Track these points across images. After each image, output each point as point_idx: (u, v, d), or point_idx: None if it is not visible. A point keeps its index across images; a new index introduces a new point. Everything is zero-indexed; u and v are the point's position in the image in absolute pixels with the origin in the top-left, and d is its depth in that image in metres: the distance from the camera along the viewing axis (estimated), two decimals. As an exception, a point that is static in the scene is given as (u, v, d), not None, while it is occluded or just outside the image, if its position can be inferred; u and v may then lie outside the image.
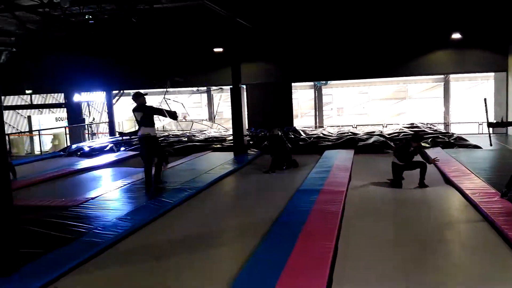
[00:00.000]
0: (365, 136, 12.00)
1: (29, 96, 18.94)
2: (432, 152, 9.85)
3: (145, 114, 7.31)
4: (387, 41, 13.27)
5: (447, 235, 4.86)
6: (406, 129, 13.15)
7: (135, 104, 7.39)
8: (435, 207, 5.91)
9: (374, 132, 13.02)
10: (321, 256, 3.98)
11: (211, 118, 24.72)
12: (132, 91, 21.74)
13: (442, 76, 19.38)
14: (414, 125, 14.43)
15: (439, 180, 7.41)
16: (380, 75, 16.20)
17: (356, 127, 15.70)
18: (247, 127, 12.64)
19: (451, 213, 5.79)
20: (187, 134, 15.58)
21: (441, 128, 15.01)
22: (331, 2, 13.33)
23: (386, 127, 15.19)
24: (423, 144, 10.70)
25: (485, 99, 6.55)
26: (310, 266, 3.80)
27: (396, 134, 12.28)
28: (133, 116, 7.76)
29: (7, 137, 11.61)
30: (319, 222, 5.02)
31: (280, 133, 9.36)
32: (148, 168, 7.42)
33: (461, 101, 20.65)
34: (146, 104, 7.43)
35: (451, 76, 19.27)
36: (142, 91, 7.76)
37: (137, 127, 7.68)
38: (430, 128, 13.68)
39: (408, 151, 6.97)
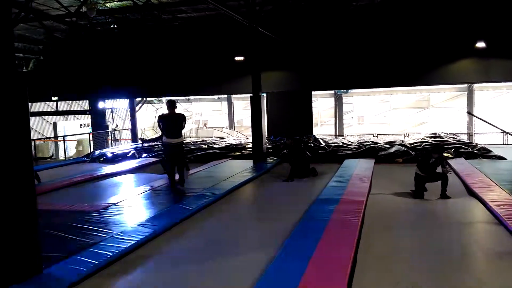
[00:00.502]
0: (386, 146, 11.87)
1: (55, 102, 19.46)
2: (455, 163, 9.70)
3: (176, 122, 7.53)
4: (409, 49, 13.14)
5: (470, 249, 4.75)
6: (428, 139, 12.95)
7: (160, 112, 7.63)
8: (458, 219, 5.79)
9: (395, 141, 12.88)
10: (340, 267, 3.95)
11: (231, 125, 24.86)
12: (154, 99, 22.24)
13: (466, 85, 19.03)
14: (437, 134, 14.21)
15: (462, 191, 7.27)
16: (402, 84, 16.03)
17: (377, 136, 15.55)
18: (266, 135, 12.67)
19: (474, 226, 5.65)
20: (207, 141, 15.71)
21: (464, 138, 14.72)
22: (352, 10, 13.33)
23: (408, 136, 15.00)
24: (445, 154, 10.55)
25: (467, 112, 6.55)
26: (328, 276, 3.77)
27: (418, 144, 12.10)
28: (155, 123, 8.02)
29: (33, 142, 11.98)
30: (338, 232, 4.98)
31: (300, 141, 9.37)
32: (171, 174, 7.61)
33: (485, 111, 20.22)
34: (177, 112, 7.68)
35: (475, 85, 18.91)
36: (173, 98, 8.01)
37: (159, 134, 7.90)
38: (453, 138, 13.44)
39: (429, 163, 6.87)
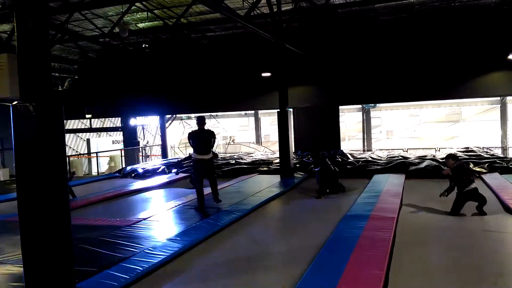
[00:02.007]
0: (416, 160, 11.62)
1: (88, 120, 20.12)
2: (490, 178, 9.39)
3: (206, 138, 7.65)
4: (439, 62, 12.94)
5: (507, 268, 4.57)
6: (460, 153, 12.60)
7: (190, 128, 7.77)
8: (494, 236, 5.59)
9: (426, 156, 12.59)
10: (371, 286, 3.88)
11: (258, 141, 24.95)
12: (183, 116, 22.64)
13: (498, 98, 18.50)
14: (469, 149, 13.81)
15: (497, 208, 7.01)
16: (432, 97, 15.73)
17: (406, 151, 15.25)
18: (293, 150, 12.65)
19: (511, 243, 5.44)
20: (235, 156, 15.81)
21: (498, 152, 14.25)
22: (379, 24, 13.29)
23: (439, 151, 14.65)
24: (478, 169, 10.23)
25: None
26: (358, 294, 3.70)
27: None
28: (183, 139, 8.18)
29: (67, 158, 12.38)
30: (368, 250, 4.89)
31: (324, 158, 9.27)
32: (200, 191, 7.67)
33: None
34: (206, 129, 7.80)
35: (508, 98, 18.35)
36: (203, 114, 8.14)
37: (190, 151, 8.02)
38: (487, 152, 13.03)
39: (456, 175, 6.66)
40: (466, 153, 12.59)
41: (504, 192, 7.73)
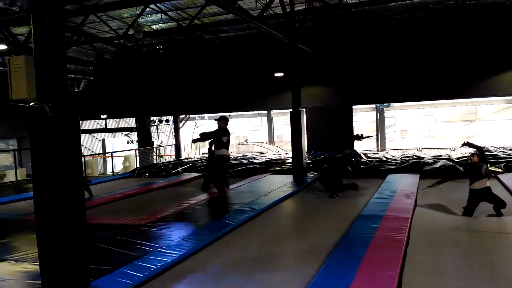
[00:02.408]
0: (431, 160, 11.49)
1: (103, 120, 20.38)
2: (506, 178, 9.24)
3: (229, 137, 8.20)
4: (454, 60, 12.76)
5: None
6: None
7: (201, 128, 8.15)
8: (510, 238, 5.50)
9: (441, 155, 12.44)
10: (385, 286, 3.85)
11: (271, 140, 24.94)
12: (197, 116, 22.73)
13: (516, 97, 18.17)
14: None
15: (514, 208, 6.89)
16: (447, 97, 15.52)
17: (421, 151, 15.08)
18: (306, 150, 12.61)
19: (529, 245, 5.35)
20: (248, 156, 15.84)
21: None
22: (394, 24, 13.17)
23: (454, 150, 14.45)
24: (494, 169, 10.06)
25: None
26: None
27: (465, 158, 11.62)
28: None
29: (83, 158, 12.57)
30: (382, 250, 4.85)
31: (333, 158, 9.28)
32: (221, 185, 8.10)
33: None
34: (226, 128, 8.20)
35: (527, 96, 18.00)
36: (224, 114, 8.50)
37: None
38: (503, 152, 12.80)
39: (475, 170, 6.56)
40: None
41: (522, 192, 7.59)
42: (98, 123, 21.57)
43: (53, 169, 3.94)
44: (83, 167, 11.50)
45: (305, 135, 11.96)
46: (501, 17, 12.06)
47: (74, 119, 4.13)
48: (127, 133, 21.22)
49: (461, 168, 10.38)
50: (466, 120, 23.16)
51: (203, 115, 22.29)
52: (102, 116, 17.76)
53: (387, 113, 21.96)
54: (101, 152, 20.99)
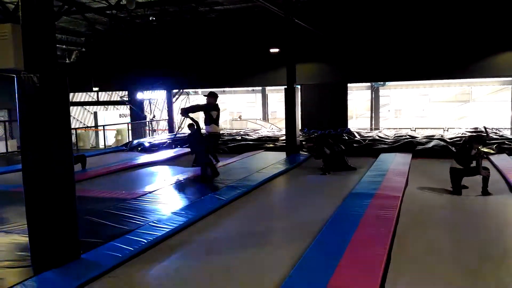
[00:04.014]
0: (424, 140, 11.53)
1: (96, 93, 20.11)
2: (498, 159, 9.30)
3: (218, 113, 7.79)
4: (450, 40, 12.65)
5: (511, 249, 4.56)
6: (469, 134, 12.47)
7: (198, 102, 7.87)
8: (499, 217, 5.57)
9: (434, 136, 12.48)
10: (373, 264, 3.88)
11: (265, 117, 24.85)
12: (190, 90, 22.51)
13: (510, 78, 18.15)
14: (478, 129, 13.65)
15: (503, 188, 6.96)
16: (442, 77, 15.47)
17: (414, 130, 15.12)
18: (300, 128, 12.58)
19: (517, 225, 5.42)
20: (241, 133, 15.78)
21: (507, 133, 14.08)
22: (391, 1, 12.96)
23: (447, 131, 14.51)
24: (486, 150, 10.11)
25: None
26: (360, 274, 3.69)
27: (458, 139, 11.68)
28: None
29: (74, 131, 12.45)
30: (372, 228, 4.89)
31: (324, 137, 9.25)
32: (208, 162, 7.81)
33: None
34: (216, 104, 7.85)
35: (521, 78, 17.99)
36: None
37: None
38: (496, 133, 12.88)
39: (470, 154, 6.56)
40: (475, 134, 12.44)
41: (511, 173, 7.65)
42: (90, 96, 21.29)
43: (41, 141, 3.87)
44: (75, 140, 11.40)
45: (299, 113, 11.91)
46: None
47: (63, 90, 4.04)
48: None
49: (453, 149, 10.43)
50: (460, 101, 23.19)
51: (196, 89, 22.06)
52: (94, 89, 17.52)
53: (382, 92, 21.87)
54: (93, 125, 20.80)
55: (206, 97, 7.92)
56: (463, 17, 12.40)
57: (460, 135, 12.47)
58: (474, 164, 6.53)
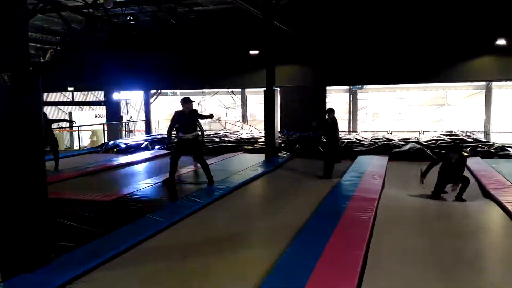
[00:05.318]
0: (400, 143, 11.71)
1: (71, 93, 19.67)
2: (471, 162, 9.51)
3: (192, 119, 7.61)
4: (427, 45, 12.91)
5: (484, 251, 4.66)
6: (444, 137, 12.74)
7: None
8: (473, 220, 5.68)
9: (410, 138, 12.70)
10: (350, 265, 3.90)
11: (244, 119, 24.81)
12: (169, 91, 22.29)
13: (484, 83, 18.65)
14: (453, 132, 13.96)
15: (477, 192, 7.11)
16: (418, 80, 15.77)
17: (391, 133, 15.35)
18: (279, 130, 12.61)
19: (490, 228, 5.55)
20: (220, 134, 15.71)
21: (481, 137, 14.45)
22: (369, 5, 13.14)
23: (423, 134, 14.78)
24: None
25: None
26: (338, 275, 3.72)
27: (433, 142, 11.92)
28: (170, 116, 8.02)
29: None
30: (349, 230, 4.93)
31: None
32: (174, 167, 7.65)
33: (503, 110, 19.77)
34: (193, 109, 7.70)
35: (494, 83, 18.51)
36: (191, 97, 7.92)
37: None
38: (470, 136, 13.19)
39: (452, 163, 6.63)
40: (450, 137, 12.72)
41: (485, 176, 7.84)
42: (65, 96, 20.81)
43: (12, 141, 3.75)
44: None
45: (279, 115, 11.93)
46: (474, 3, 12.21)
47: (36, 90, 3.93)
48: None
49: (428, 152, 10.63)
50: (435, 105, 23.65)
51: (175, 91, 21.85)
52: (69, 89, 17.14)
53: (360, 95, 22.10)
54: (67, 125, 20.32)
55: (185, 103, 7.53)
56: (438, 23, 12.67)
57: (435, 138, 12.72)
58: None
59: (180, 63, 15.53)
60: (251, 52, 14.20)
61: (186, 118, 7.56)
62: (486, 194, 6.88)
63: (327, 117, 8.75)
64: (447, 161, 6.71)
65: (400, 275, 3.89)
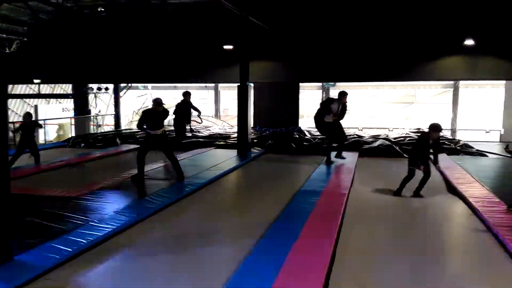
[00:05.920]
0: (370, 139, 11.90)
1: (37, 86, 19.01)
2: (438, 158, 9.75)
3: (161, 118, 7.46)
4: (397, 44, 13.12)
5: (448, 245, 4.79)
6: (412, 134, 13.02)
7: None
8: (438, 215, 5.82)
9: (379, 135, 12.92)
10: (318, 260, 3.92)
11: (217, 114, 24.66)
12: (140, 85, 21.89)
13: (452, 82, 19.18)
14: (420, 130, 14.28)
15: (442, 187, 7.31)
16: (389, 79, 16.07)
17: (362, 130, 15.58)
18: (252, 125, 12.58)
19: (454, 222, 5.71)
20: (192, 129, 15.52)
21: (447, 134, 14.86)
22: (342, 4, 13.25)
23: (392, 131, 15.07)
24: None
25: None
26: (306, 270, 3.74)
27: (401, 138, 12.16)
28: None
29: (12, 125, 11.68)
30: (318, 225, 4.97)
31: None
32: (142, 162, 7.47)
33: (469, 108, 20.43)
34: (162, 110, 7.50)
35: (461, 82, 19.07)
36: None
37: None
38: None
39: (428, 145, 6.65)
40: (417, 134, 13.00)
41: (450, 172, 8.05)
42: (31, 88, 20.09)
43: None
44: (12, 134, 10.70)
45: (252, 111, 11.90)
46: (444, 3, 12.49)
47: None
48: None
49: (397, 148, 10.84)
50: (405, 102, 24.18)
51: (146, 84, 21.45)
52: (35, 81, 16.55)
53: (332, 92, 22.33)
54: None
55: (156, 105, 7.39)
56: (408, 22, 12.89)
57: (403, 135, 12.99)
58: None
59: (152, 56, 15.24)
60: (226, 47, 14.08)
61: (157, 117, 7.43)
62: (451, 189, 7.07)
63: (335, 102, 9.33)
64: (425, 144, 6.73)
65: (367, 269, 3.94)
